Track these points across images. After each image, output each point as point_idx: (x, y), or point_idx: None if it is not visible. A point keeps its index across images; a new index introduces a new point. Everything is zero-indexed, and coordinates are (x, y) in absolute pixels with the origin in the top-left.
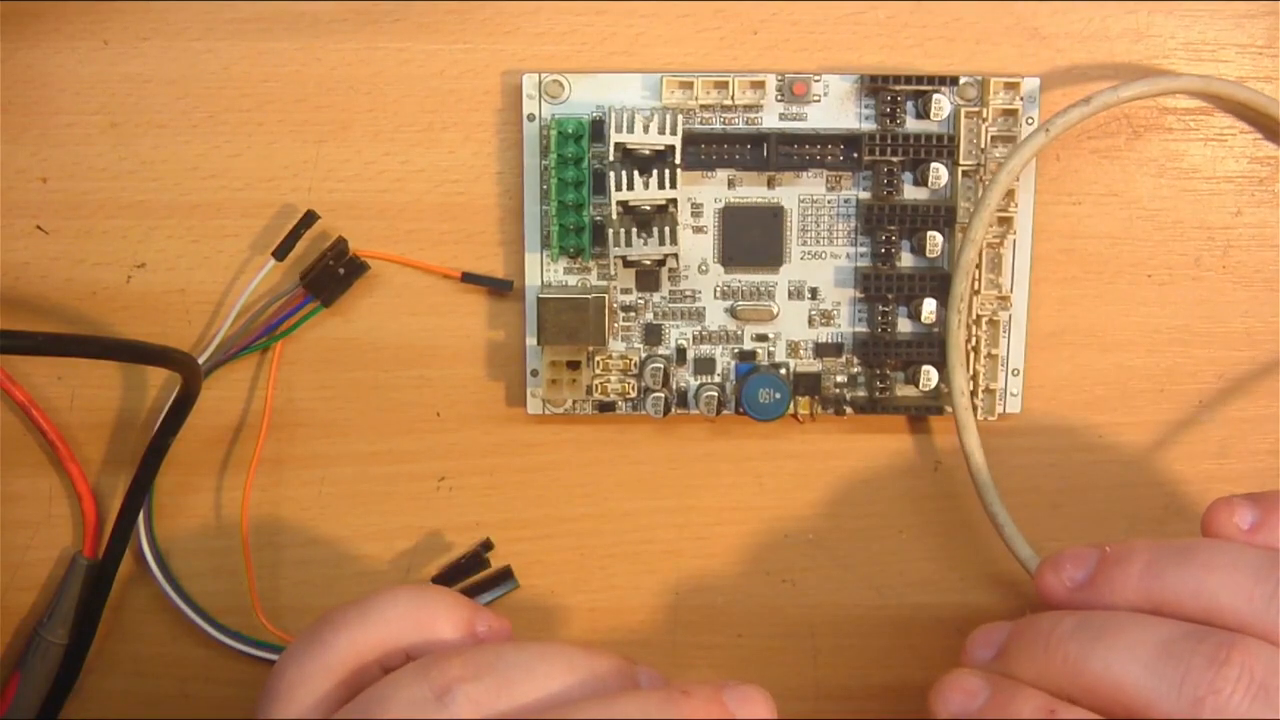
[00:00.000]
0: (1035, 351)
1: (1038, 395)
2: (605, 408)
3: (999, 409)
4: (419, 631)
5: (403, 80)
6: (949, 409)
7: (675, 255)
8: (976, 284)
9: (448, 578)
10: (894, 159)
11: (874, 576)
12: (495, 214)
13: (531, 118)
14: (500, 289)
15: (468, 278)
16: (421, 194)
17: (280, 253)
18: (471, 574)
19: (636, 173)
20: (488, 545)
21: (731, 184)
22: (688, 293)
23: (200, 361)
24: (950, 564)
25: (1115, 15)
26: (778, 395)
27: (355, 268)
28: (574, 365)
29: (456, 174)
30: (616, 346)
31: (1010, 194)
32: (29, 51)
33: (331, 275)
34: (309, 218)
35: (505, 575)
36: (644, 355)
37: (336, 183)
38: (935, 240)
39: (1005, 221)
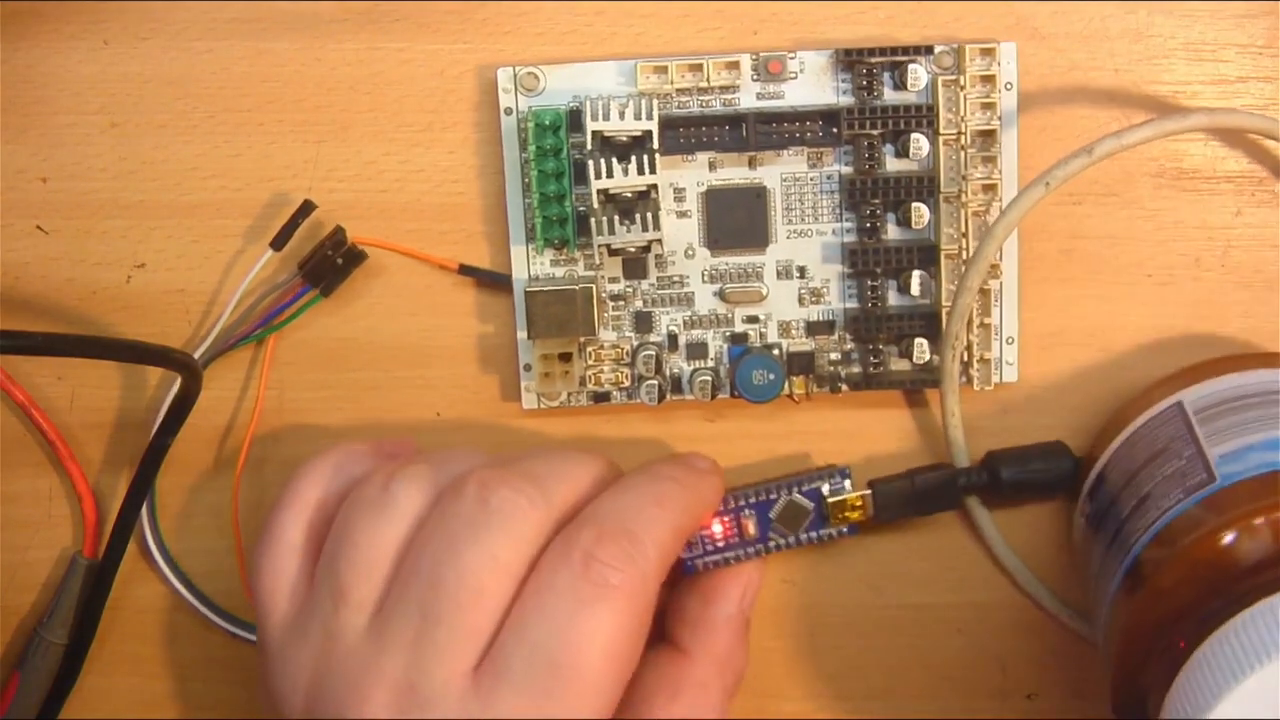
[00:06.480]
0: (1035, 352)
1: (1038, 395)
2: (600, 398)
3: (995, 378)
4: (341, 475)
5: (403, 80)
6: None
7: (659, 241)
8: (965, 251)
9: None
10: (874, 132)
11: (874, 576)
12: (495, 213)
13: (509, 111)
14: (497, 281)
15: (465, 270)
16: (421, 194)
17: (278, 242)
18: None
19: (615, 160)
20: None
21: (713, 166)
22: (676, 278)
23: (198, 354)
24: (950, 563)
25: (1115, 15)
26: (771, 376)
27: (353, 256)
28: (566, 357)
29: (457, 174)
30: (607, 336)
31: (993, 160)
32: (29, 51)
33: (329, 264)
34: (306, 206)
35: None
36: (635, 343)
37: (336, 183)
38: (920, 211)
39: (990, 189)
